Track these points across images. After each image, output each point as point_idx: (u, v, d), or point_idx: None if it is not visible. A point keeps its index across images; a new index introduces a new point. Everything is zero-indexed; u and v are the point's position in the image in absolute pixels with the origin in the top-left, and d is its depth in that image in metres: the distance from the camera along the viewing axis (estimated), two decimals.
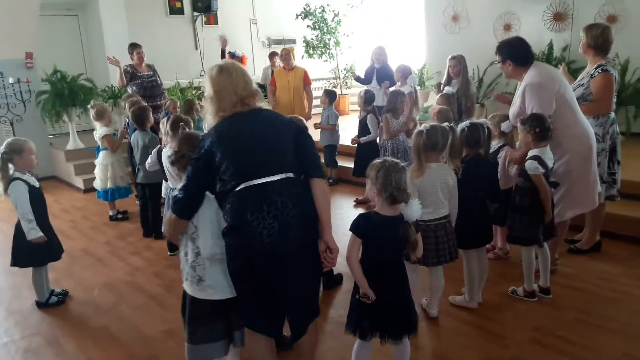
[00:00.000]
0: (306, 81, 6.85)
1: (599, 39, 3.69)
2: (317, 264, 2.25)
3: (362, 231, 2.30)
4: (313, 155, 2.24)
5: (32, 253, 3.51)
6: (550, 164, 3.18)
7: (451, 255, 2.96)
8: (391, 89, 7.14)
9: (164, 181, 4.26)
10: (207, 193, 2.23)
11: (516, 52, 3.46)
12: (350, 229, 2.31)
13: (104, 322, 3.40)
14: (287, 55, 6.95)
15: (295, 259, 2.15)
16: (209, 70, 2.28)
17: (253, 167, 2.12)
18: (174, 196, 2.25)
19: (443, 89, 5.92)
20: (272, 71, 8.08)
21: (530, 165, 3.10)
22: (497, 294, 3.43)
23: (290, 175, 2.16)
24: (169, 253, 4.48)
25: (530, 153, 3.16)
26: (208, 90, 2.25)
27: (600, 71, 3.63)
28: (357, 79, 7.42)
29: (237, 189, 2.11)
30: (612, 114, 3.77)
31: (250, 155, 2.13)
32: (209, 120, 2.29)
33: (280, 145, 2.17)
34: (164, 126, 3.86)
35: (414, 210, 2.26)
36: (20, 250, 3.53)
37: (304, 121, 2.28)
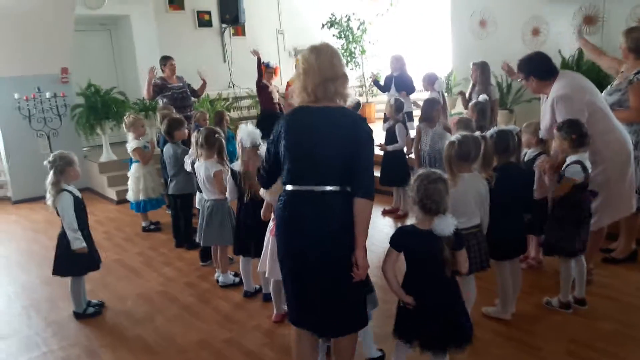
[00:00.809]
0: None
1: (637, 43, 3.61)
2: (345, 277, 2.26)
3: (398, 244, 2.36)
4: (363, 172, 2.21)
5: (73, 262, 3.61)
6: (590, 170, 3.11)
7: (482, 264, 2.93)
8: (412, 96, 7.17)
9: (197, 192, 4.33)
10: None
11: (537, 67, 3.44)
12: (389, 242, 2.38)
13: (139, 333, 3.47)
14: None
15: (320, 268, 2.25)
16: (304, 50, 2.35)
17: (304, 172, 2.25)
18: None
19: (469, 97, 5.90)
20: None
21: (573, 169, 3.03)
22: (531, 304, 3.37)
23: (337, 188, 2.21)
24: (201, 263, 4.54)
25: (570, 159, 3.09)
26: (298, 67, 2.34)
27: (639, 78, 3.55)
28: (375, 82, 7.50)
29: (287, 188, 2.29)
30: None
31: (305, 160, 2.24)
32: (294, 98, 2.36)
33: (336, 156, 2.19)
34: (196, 139, 3.93)
35: (444, 225, 2.25)
36: (62, 260, 3.63)
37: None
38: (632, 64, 3.66)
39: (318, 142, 2.19)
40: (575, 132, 3.05)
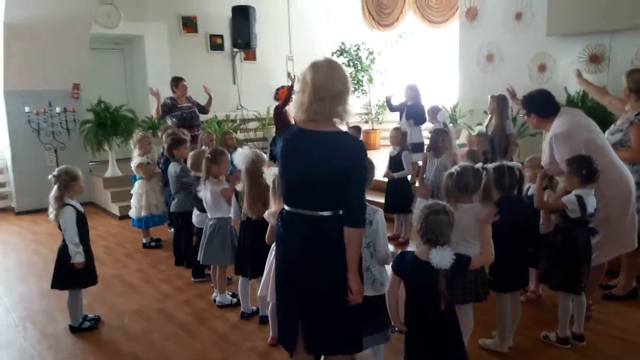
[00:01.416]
0: None
1: (638, 84, 3.66)
2: (338, 299, 2.28)
3: (399, 270, 2.40)
4: (353, 200, 2.21)
5: (72, 276, 3.62)
6: (590, 210, 3.11)
7: (478, 295, 2.92)
8: (422, 127, 7.25)
9: (194, 210, 4.35)
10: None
11: (539, 105, 3.51)
12: (391, 267, 2.43)
13: (134, 349, 3.45)
14: None
15: (314, 288, 2.29)
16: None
17: (298, 196, 2.29)
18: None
19: (485, 129, 5.95)
20: None
21: (569, 198, 3.06)
22: (529, 338, 3.35)
23: (330, 213, 2.23)
24: (192, 279, 4.55)
25: (575, 192, 3.11)
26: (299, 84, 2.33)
27: (639, 119, 3.58)
28: (388, 102, 7.65)
29: (285, 208, 2.35)
30: None
31: (299, 186, 2.28)
32: (294, 112, 2.38)
33: (330, 183, 2.19)
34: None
35: (440, 257, 2.25)
36: (61, 273, 3.64)
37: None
38: (634, 104, 3.71)
39: (312, 169, 2.20)
40: (587, 167, 3.07)
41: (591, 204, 3.11)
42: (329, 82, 2.19)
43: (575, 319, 3.25)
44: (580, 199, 3.05)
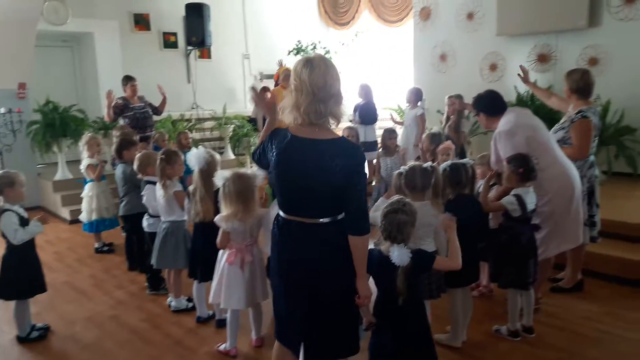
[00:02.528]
0: None
1: (580, 83, 3.81)
2: (339, 303, 2.28)
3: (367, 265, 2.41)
4: (355, 207, 2.16)
5: (19, 285, 3.49)
6: (531, 206, 3.24)
7: (432, 292, 2.99)
8: (377, 127, 7.36)
9: (146, 215, 4.23)
10: None
11: (486, 104, 3.64)
12: None
13: (86, 358, 3.36)
14: (288, 75, 7.17)
15: (314, 293, 2.25)
16: (297, 62, 2.18)
17: (296, 203, 2.23)
18: None
19: (443, 128, 6.07)
20: None
21: (507, 199, 3.18)
22: (481, 332, 3.44)
23: (328, 220, 2.19)
24: (147, 292, 4.38)
25: (513, 191, 3.23)
26: (291, 82, 2.18)
27: (580, 117, 3.74)
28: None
29: (281, 214, 2.29)
30: (591, 158, 3.86)
31: (296, 193, 2.21)
32: (286, 115, 2.20)
33: (328, 191, 2.14)
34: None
35: (397, 254, 2.31)
36: (7, 283, 3.49)
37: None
38: (575, 103, 3.86)
39: (310, 179, 2.13)
40: (523, 166, 3.19)
41: (530, 201, 3.23)
42: (328, 81, 2.09)
43: (524, 312, 3.36)
44: (519, 197, 3.17)
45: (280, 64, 8.91)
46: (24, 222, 3.50)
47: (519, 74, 4.41)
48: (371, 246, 2.37)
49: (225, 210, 3.03)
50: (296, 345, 2.36)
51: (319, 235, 2.20)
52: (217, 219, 3.07)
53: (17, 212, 3.48)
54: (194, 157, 3.44)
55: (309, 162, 2.12)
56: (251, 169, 3.11)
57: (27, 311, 3.64)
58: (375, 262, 2.41)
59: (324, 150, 2.11)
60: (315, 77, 2.07)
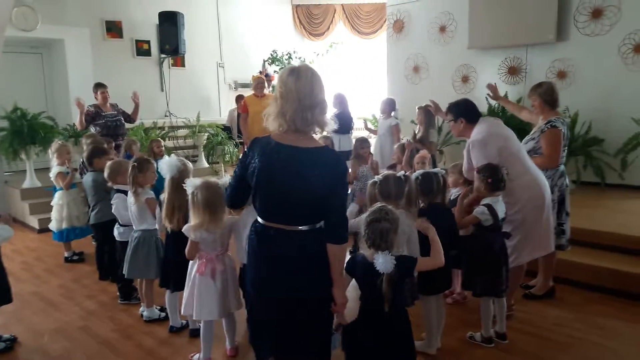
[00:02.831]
0: None
1: (547, 95, 3.92)
2: (315, 312, 2.28)
3: (350, 269, 2.46)
4: (335, 216, 2.18)
5: None
6: (501, 215, 3.29)
7: (405, 300, 3.00)
8: (352, 136, 7.43)
9: (117, 224, 4.14)
10: None
11: (467, 111, 3.66)
12: (344, 267, 2.43)
13: None
14: (261, 84, 7.38)
15: (290, 302, 2.24)
16: (282, 70, 2.21)
17: (276, 210, 2.21)
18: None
19: (413, 139, 6.17)
20: (239, 114, 8.20)
21: (480, 210, 3.23)
22: (456, 339, 3.47)
23: (308, 227, 2.19)
24: (119, 301, 4.29)
25: (483, 201, 3.29)
26: (276, 90, 2.20)
27: (549, 127, 3.83)
28: None
29: (259, 220, 2.26)
30: (562, 167, 3.95)
31: (276, 201, 2.18)
32: (270, 123, 2.20)
33: (310, 200, 2.14)
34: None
35: (381, 261, 2.32)
36: None
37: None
38: (544, 115, 3.96)
39: (292, 187, 2.12)
40: (492, 177, 3.25)
41: (501, 209, 3.29)
42: (314, 90, 2.12)
43: (497, 319, 3.41)
44: (489, 207, 3.23)
45: (263, 68, 8.87)
46: None
47: (487, 94, 4.50)
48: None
49: (193, 219, 2.97)
50: (267, 354, 2.36)
51: (298, 243, 2.20)
52: (185, 228, 3.02)
53: None
54: (166, 165, 3.39)
55: (291, 170, 2.12)
56: (222, 178, 3.06)
57: None
58: (359, 267, 2.42)
59: (306, 159, 2.12)
60: (302, 85, 2.10)
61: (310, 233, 2.20)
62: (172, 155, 3.56)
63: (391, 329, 2.45)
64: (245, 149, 2.33)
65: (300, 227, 2.19)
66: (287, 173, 2.13)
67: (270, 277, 2.26)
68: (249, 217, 2.59)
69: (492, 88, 4.55)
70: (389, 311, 2.39)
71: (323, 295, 2.28)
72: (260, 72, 7.80)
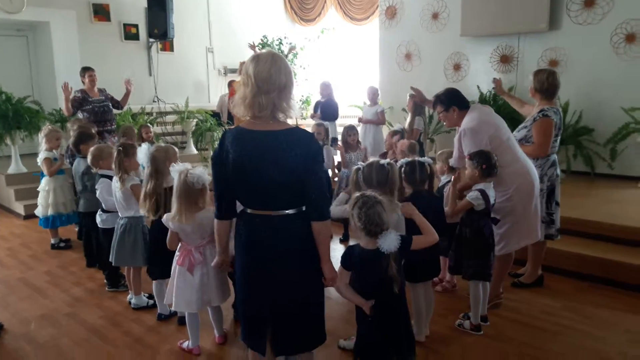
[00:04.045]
0: None
1: (545, 84, 3.88)
2: (308, 294, 2.30)
3: (348, 264, 2.43)
4: (314, 193, 2.16)
5: None
6: (492, 201, 3.31)
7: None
8: (338, 124, 7.45)
9: (100, 211, 4.08)
10: None
11: (456, 98, 3.63)
12: (340, 262, 2.43)
13: (41, 358, 3.22)
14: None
15: (282, 286, 2.25)
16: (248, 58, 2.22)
17: (258, 198, 2.20)
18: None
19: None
20: (229, 99, 8.14)
21: (474, 195, 3.23)
22: (445, 326, 3.47)
23: (294, 211, 2.19)
24: (107, 288, 4.25)
25: (476, 186, 3.28)
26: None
27: (541, 116, 3.81)
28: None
29: (247, 211, 2.25)
30: (553, 157, 3.93)
31: (256, 188, 2.17)
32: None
33: (288, 182, 2.13)
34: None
35: (388, 241, 2.31)
36: None
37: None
38: (538, 103, 3.94)
39: (267, 172, 2.10)
40: (485, 162, 3.24)
41: (492, 195, 3.32)
42: (273, 75, 2.09)
43: (481, 301, 3.41)
44: (482, 192, 3.23)
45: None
46: None
47: (493, 88, 4.45)
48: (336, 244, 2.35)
49: (174, 209, 2.92)
50: (262, 345, 2.33)
51: (286, 226, 2.20)
52: (164, 218, 2.97)
53: None
54: (142, 154, 3.35)
55: (267, 154, 2.10)
56: (199, 168, 2.96)
57: None
58: (357, 258, 2.40)
59: (280, 141, 2.11)
60: (259, 70, 2.09)
61: (297, 215, 2.20)
62: (146, 143, 3.49)
63: (401, 311, 2.46)
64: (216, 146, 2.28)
65: (287, 211, 2.19)
66: (265, 158, 2.11)
67: (263, 261, 2.25)
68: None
69: (498, 83, 4.52)
70: (400, 292, 2.39)
71: (313, 276, 2.29)
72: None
